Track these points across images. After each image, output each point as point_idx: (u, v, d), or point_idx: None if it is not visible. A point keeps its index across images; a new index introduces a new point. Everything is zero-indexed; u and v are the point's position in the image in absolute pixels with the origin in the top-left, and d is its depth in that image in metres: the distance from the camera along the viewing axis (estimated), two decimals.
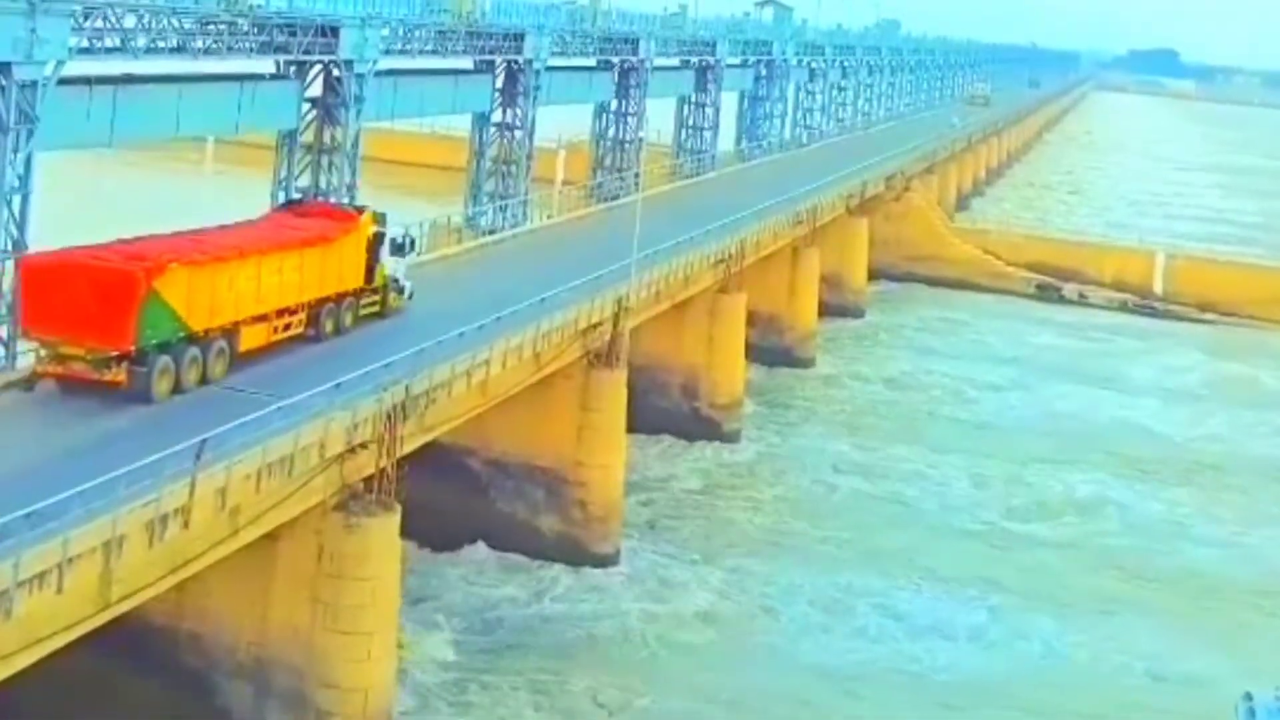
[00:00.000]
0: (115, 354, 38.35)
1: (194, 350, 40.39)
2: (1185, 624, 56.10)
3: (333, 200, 55.27)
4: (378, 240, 50.66)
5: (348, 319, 48.53)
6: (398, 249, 51.88)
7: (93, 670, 35.49)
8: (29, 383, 39.22)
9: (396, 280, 51.69)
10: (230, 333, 42.09)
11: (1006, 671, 50.74)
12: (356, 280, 49.13)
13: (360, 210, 51.70)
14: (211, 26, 49.67)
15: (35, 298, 38.88)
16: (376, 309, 50.56)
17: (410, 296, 52.01)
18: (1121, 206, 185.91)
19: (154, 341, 38.99)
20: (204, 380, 40.64)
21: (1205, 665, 51.36)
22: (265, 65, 55.43)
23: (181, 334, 40.01)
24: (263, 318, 43.83)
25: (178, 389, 39.61)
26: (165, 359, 39.28)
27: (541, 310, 50.93)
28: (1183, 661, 52.19)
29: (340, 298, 48.18)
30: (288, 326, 45.23)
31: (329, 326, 47.39)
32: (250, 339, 43.20)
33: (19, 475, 31.52)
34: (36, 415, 37.72)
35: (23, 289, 39.61)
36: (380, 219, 51.37)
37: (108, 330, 38.19)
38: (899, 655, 51.02)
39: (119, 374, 38.42)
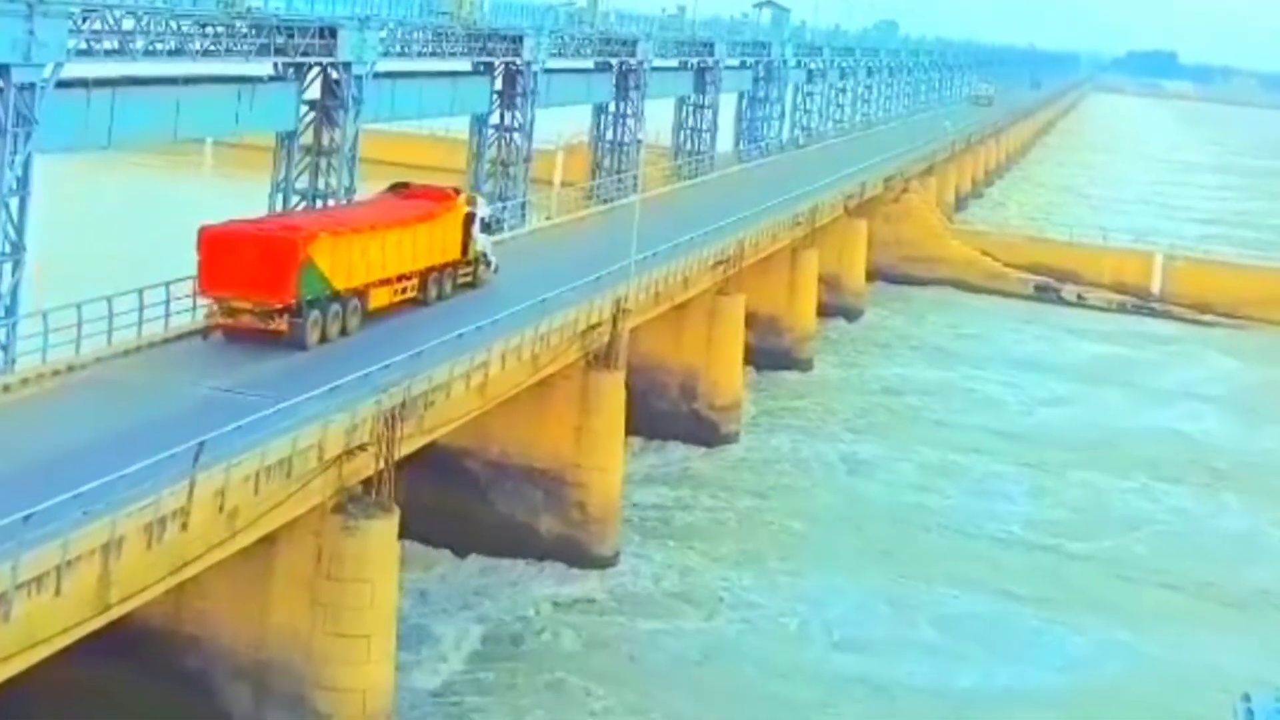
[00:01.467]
0: (278, 308, 45.42)
1: (336, 306, 47.51)
2: None
3: (426, 185, 59.93)
4: (470, 219, 56.88)
5: (448, 286, 55.27)
6: (485, 227, 58.67)
7: (91, 673, 35.40)
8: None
9: (484, 255, 57.93)
10: (362, 293, 49.21)
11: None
12: (454, 253, 55.72)
13: (457, 192, 58.34)
14: (210, 29, 49.70)
15: (211, 262, 45.65)
16: (469, 279, 56.93)
17: (496, 270, 58.24)
18: (1121, 207, 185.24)
19: (308, 298, 46.03)
20: (343, 332, 47.70)
21: None
22: (263, 67, 55.42)
23: (328, 293, 47.06)
24: (386, 282, 50.89)
25: (324, 339, 46.74)
26: (316, 313, 46.45)
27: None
28: None
29: (443, 268, 54.92)
30: (404, 290, 52.36)
31: (434, 292, 54.20)
32: (377, 299, 50.28)
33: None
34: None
35: (200, 255, 45.80)
36: (472, 200, 58.51)
37: (272, 288, 45.31)
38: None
39: (281, 324, 45.56)
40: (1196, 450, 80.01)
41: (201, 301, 46.75)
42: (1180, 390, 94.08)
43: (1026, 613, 55.43)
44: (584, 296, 54.07)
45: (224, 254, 45.66)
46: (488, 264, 58.07)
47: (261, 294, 45.39)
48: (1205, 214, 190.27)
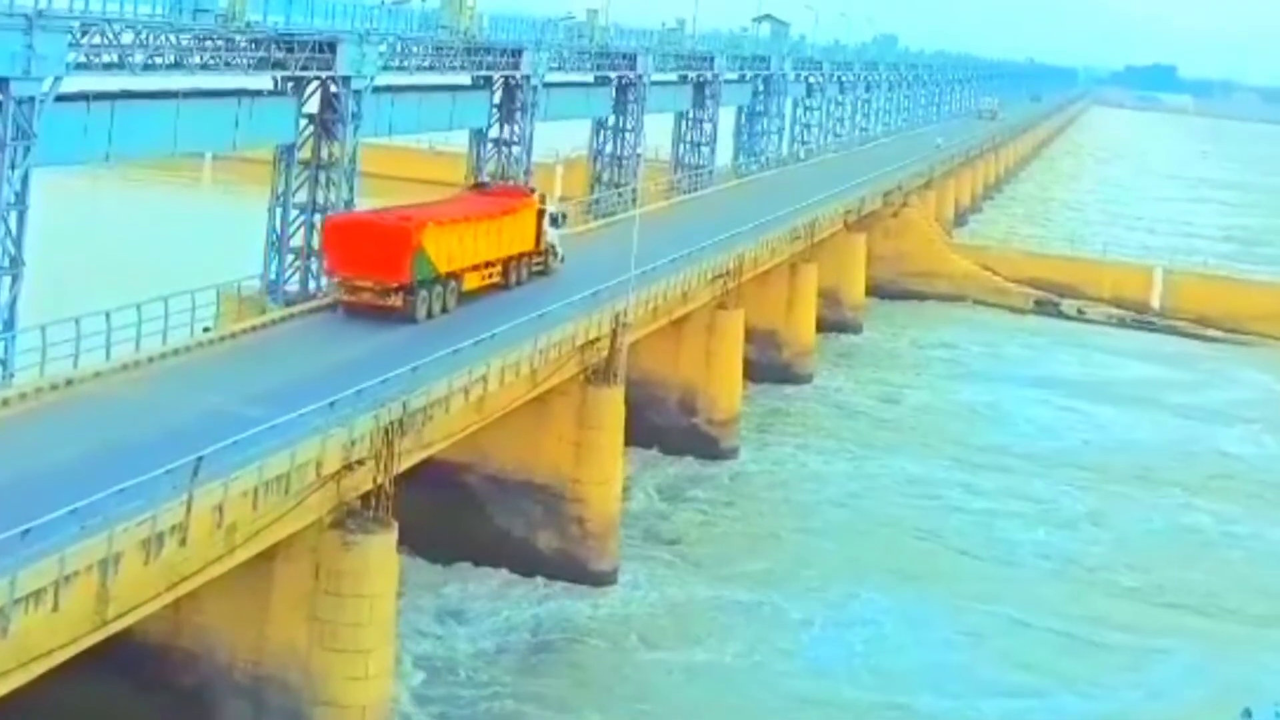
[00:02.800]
0: (394, 287, 52.39)
1: (439, 287, 54.37)
2: None
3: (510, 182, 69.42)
4: (542, 215, 63.29)
5: (524, 273, 61.62)
6: (554, 222, 64.71)
7: (89, 689, 35.29)
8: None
9: (553, 247, 64.13)
10: (459, 276, 55.88)
11: None
12: (529, 244, 62.17)
13: (531, 190, 66.10)
14: (209, 43, 49.68)
15: (336, 247, 53.62)
16: (541, 268, 63.20)
17: (561, 260, 64.16)
18: (1135, 224, 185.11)
19: (418, 279, 52.97)
20: (444, 310, 54.40)
21: None
22: (263, 81, 55.38)
23: (433, 275, 53.91)
24: (477, 267, 57.49)
25: (429, 315, 53.44)
26: (424, 292, 53.43)
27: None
28: None
29: (521, 257, 61.42)
30: (490, 275, 58.87)
31: (514, 277, 60.59)
32: (470, 282, 56.91)
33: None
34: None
35: (326, 241, 54.37)
36: (543, 198, 65.10)
37: (390, 269, 52.27)
38: None
39: (396, 301, 52.60)
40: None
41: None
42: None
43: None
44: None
45: (348, 241, 53.36)
46: (555, 254, 64.22)
47: (380, 275, 52.33)
48: (1220, 231, 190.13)
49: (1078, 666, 52.43)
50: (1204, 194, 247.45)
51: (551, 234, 64.07)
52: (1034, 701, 49.67)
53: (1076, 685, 50.94)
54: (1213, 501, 73.29)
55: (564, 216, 67.95)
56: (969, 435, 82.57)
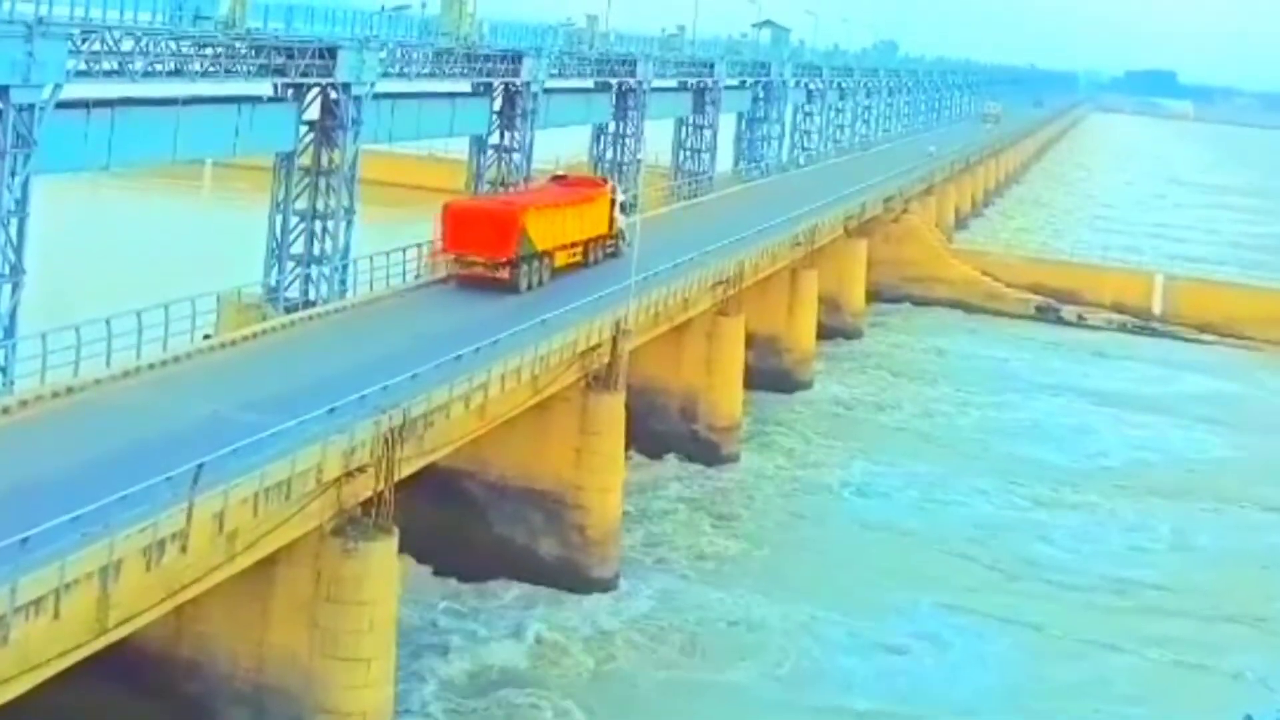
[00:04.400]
0: (503, 262, 60.51)
1: (537, 263, 62.47)
2: None
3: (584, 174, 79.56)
4: (614, 203, 71.18)
5: (599, 254, 68.91)
6: (622, 209, 73.05)
7: (89, 697, 35.28)
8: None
9: (622, 231, 70.92)
10: (551, 255, 63.81)
11: None
12: (603, 229, 69.83)
13: (604, 181, 76.60)
14: (209, 49, 49.68)
15: (453, 229, 61.09)
16: (613, 250, 70.02)
17: (629, 244, 67.66)
18: (1141, 234, 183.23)
19: (522, 255, 61.09)
20: (540, 283, 62.20)
21: None
22: (263, 88, 55.37)
23: (534, 252, 62.10)
24: (564, 247, 65.31)
25: (529, 286, 61.34)
26: (526, 267, 61.44)
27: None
28: None
29: (597, 239, 69.05)
30: (574, 254, 66.42)
31: (592, 257, 67.83)
32: (559, 259, 64.68)
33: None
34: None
35: (444, 224, 61.23)
36: (615, 189, 73.68)
37: (499, 247, 60.58)
38: None
39: (504, 274, 60.70)
40: None
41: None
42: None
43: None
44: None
45: (462, 223, 61.05)
46: (624, 239, 70.15)
47: (491, 252, 60.45)
48: (1250, 239, 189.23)
49: None
50: (1225, 201, 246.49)
51: (621, 220, 71.88)
52: None
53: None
54: None
55: (631, 205, 77.02)
56: (998, 444, 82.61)
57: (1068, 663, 53.41)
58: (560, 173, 79.38)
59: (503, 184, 73.29)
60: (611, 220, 70.61)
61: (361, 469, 39.12)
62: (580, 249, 67.30)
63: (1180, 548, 67.65)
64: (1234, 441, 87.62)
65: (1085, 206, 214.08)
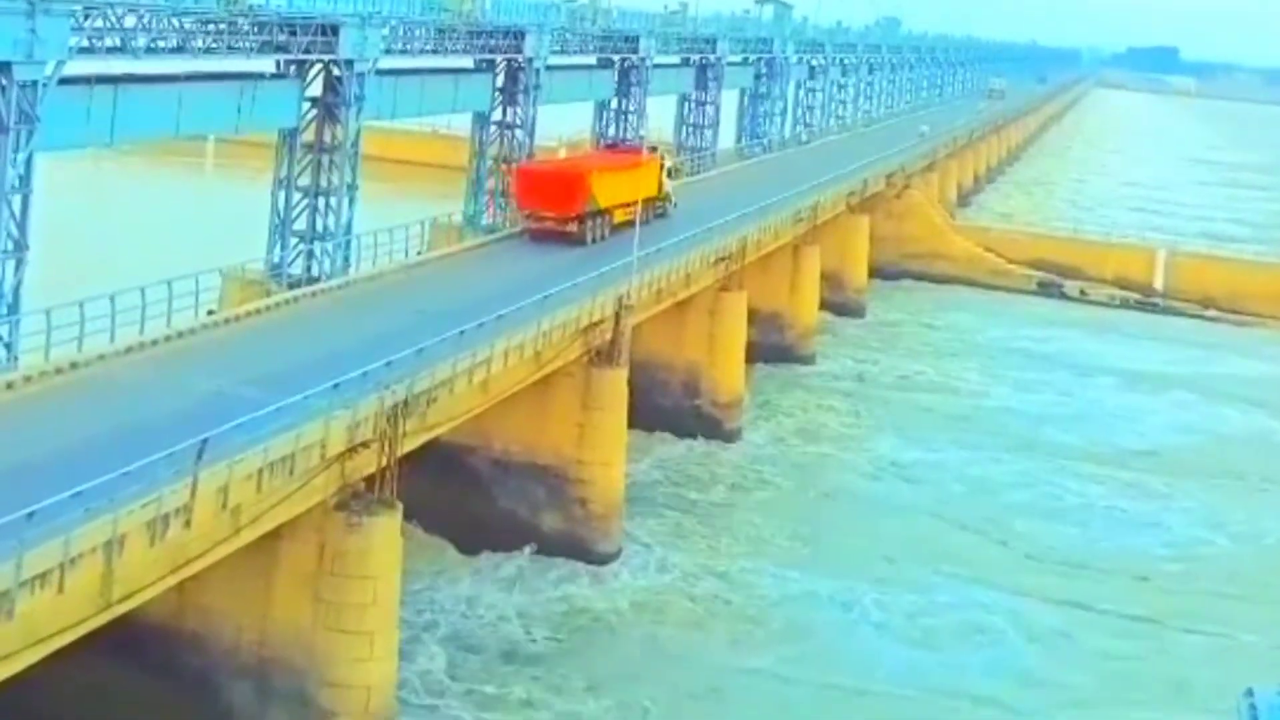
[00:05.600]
0: (571, 217, 67.57)
1: (600, 219, 69.49)
2: None
3: (630, 141, 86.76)
4: (663, 167, 78.71)
5: (651, 214, 74.02)
6: (670, 174, 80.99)
7: (94, 671, 35.47)
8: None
9: (669, 194, 78.81)
10: (610, 212, 70.12)
11: None
12: (654, 191, 76.43)
13: (654, 149, 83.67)
14: (212, 26, 49.56)
15: (527, 188, 68.92)
16: (662, 211, 77.26)
17: (675, 205, 78.59)
18: (1166, 214, 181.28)
19: (588, 211, 68.42)
20: (602, 237, 68.92)
21: None
22: (265, 65, 55.33)
23: (597, 209, 69.21)
24: (621, 205, 69.90)
25: (594, 240, 68.24)
26: (590, 222, 68.67)
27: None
28: None
29: (649, 200, 74.21)
30: (630, 212, 67.10)
31: (644, 216, 68.99)
32: (618, 217, 69.93)
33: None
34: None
35: (518, 184, 69.72)
36: (663, 156, 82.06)
37: (568, 204, 67.60)
38: None
39: (573, 228, 67.70)
40: None
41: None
42: None
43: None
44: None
45: (536, 183, 68.80)
46: (671, 200, 78.71)
47: (560, 208, 67.13)
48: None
49: None
50: (1244, 179, 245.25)
51: (669, 184, 79.50)
52: None
53: None
54: None
55: (677, 170, 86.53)
56: (1003, 420, 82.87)
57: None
58: (611, 141, 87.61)
59: (505, 160, 73.28)
60: (660, 184, 78.01)
61: (365, 444, 39.21)
62: (635, 208, 70.25)
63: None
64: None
65: (1111, 187, 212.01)
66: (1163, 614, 56.35)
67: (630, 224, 67.67)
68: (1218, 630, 55.37)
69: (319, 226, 57.58)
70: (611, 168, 73.33)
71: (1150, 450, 78.76)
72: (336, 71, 56.90)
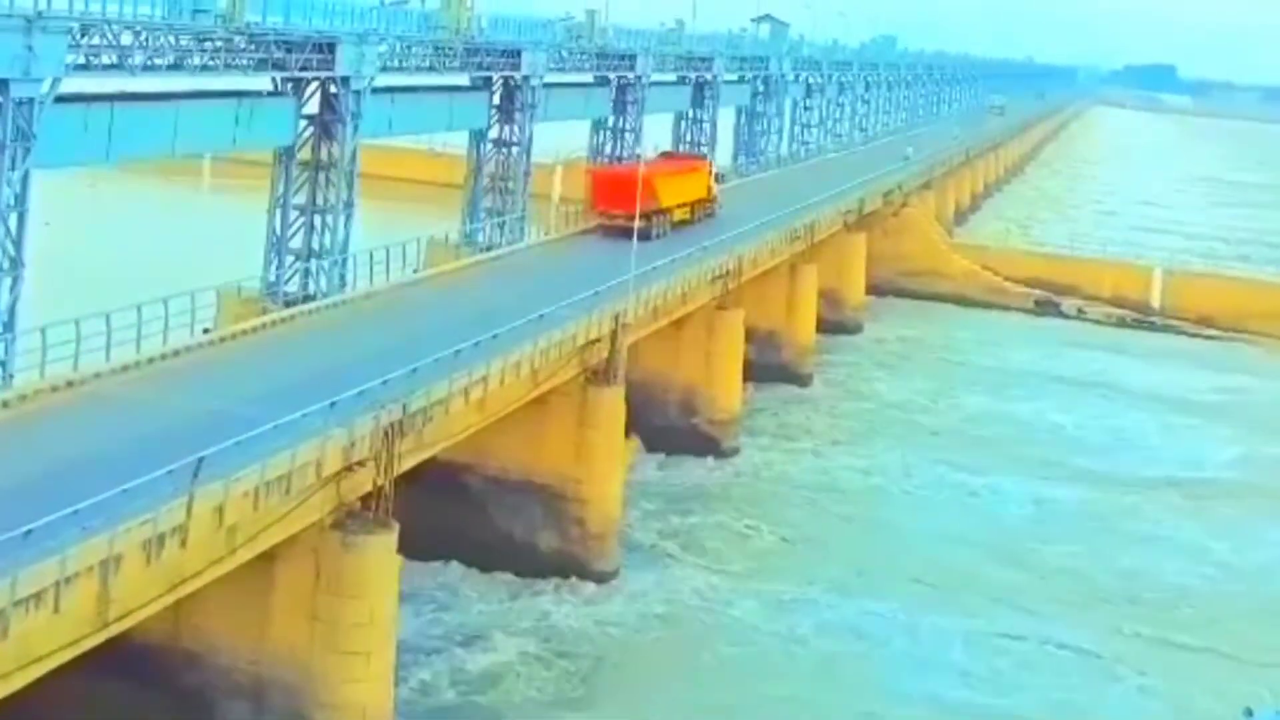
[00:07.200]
0: (640, 214, 68.24)
1: (662, 217, 77.82)
2: None
3: (684, 151, 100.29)
4: (711, 173, 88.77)
5: (701, 215, 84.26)
6: (717, 179, 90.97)
7: (90, 690, 35.33)
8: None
9: (716, 197, 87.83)
10: (670, 211, 79.59)
11: None
12: (704, 194, 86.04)
13: (704, 156, 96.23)
14: (208, 43, 49.52)
15: (600, 191, 77.15)
16: (710, 212, 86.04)
17: (721, 207, 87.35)
18: (1179, 236, 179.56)
19: (653, 210, 75.40)
20: (664, 234, 76.62)
21: None
22: (262, 82, 55.28)
23: (660, 208, 77.68)
24: (679, 205, 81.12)
25: (657, 236, 75.09)
26: (656, 220, 76.14)
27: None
28: None
29: (700, 203, 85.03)
30: (685, 212, 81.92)
31: (696, 216, 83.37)
32: (676, 215, 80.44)
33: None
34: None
35: (593, 187, 78.84)
36: (712, 163, 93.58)
37: (635, 205, 68.35)
38: None
39: (641, 224, 67.01)
40: None
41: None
42: None
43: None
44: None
45: (608, 186, 76.14)
46: (719, 203, 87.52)
47: (628, 208, 68.06)
48: None
49: None
50: (1251, 199, 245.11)
51: (717, 189, 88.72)
52: None
53: None
54: None
55: (722, 176, 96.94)
56: (1016, 439, 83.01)
57: None
58: (667, 149, 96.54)
59: (502, 179, 73.21)
60: (709, 188, 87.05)
61: (361, 463, 39.13)
62: (689, 209, 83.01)
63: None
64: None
65: (1127, 206, 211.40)
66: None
67: (686, 222, 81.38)
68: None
69: (315, 245, 57.49)
70: (672, 173, 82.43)
71: None
72: (333, 89, 56.80)
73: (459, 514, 54.15)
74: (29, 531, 27.65)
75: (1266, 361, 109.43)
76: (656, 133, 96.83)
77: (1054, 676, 51.68)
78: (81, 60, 43.60)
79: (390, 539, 39.53)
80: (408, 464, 41.92)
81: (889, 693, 49.33)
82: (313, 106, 57.20)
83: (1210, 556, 65.41)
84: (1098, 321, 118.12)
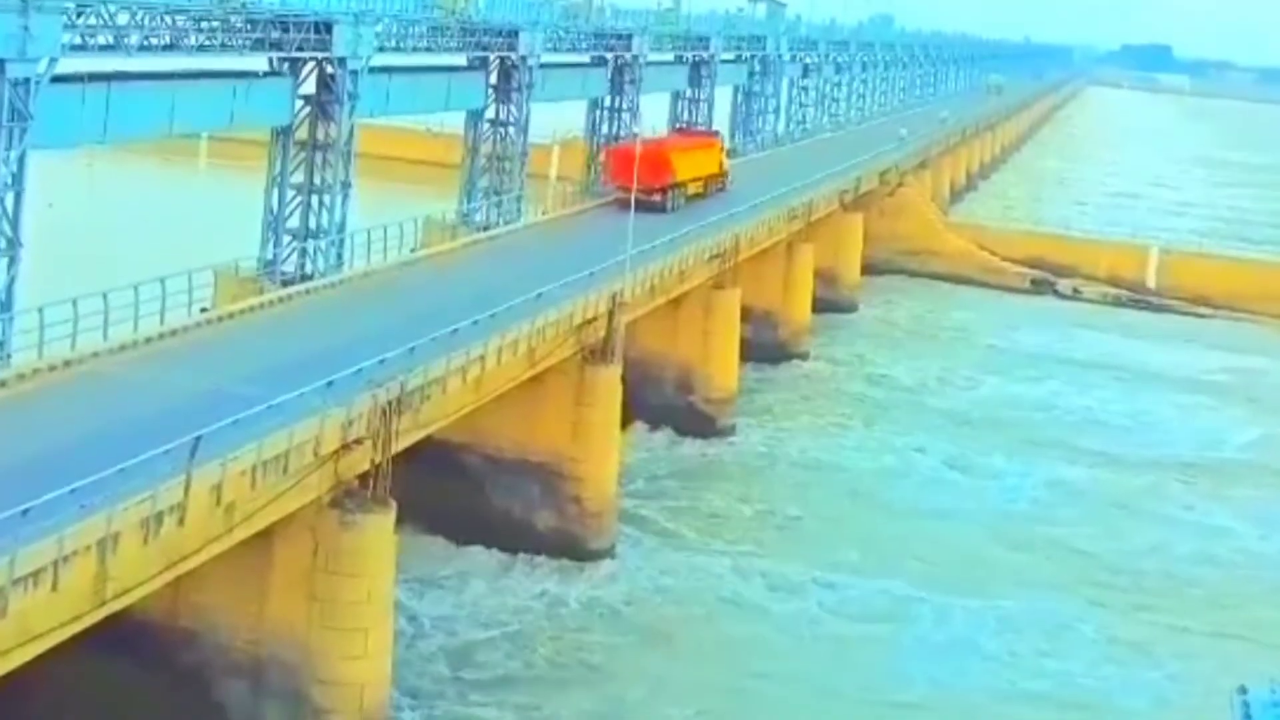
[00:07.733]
0: (656, 188, 77.19)
1: (677, 191, 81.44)
2: None
3: (697, 127, 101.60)
4: (722, 149, 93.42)
5: (713, 189, 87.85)
6: (728, 154, 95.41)
7: (88, 668, 35.45)
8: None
9: (728, 173, 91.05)
10: (684, 185, 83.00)
11: None
12: (715, 169, 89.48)
13: (716, 132, 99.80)
14: (205, 23, 49.49)
15: (618, 165, 77.85)
16: (721, 186, 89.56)
17: (732, 182, 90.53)
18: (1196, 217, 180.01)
19: (669, 184, 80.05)
20: (678, 206, 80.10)
21: None
22: (259, 62, 55.20)
23: (676, 182, 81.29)
24: (692, 180, 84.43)
25: (673, 208, 78.67)
26: (672, 193, 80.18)
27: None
28: None
29: (711, 177, 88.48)
30: (698, 187, 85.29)
31: (708, 190, 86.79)
32: (691, 189, 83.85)
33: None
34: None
35: (611, 162, 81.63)
36: (723, 139, 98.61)
37: (655, 178, 76.60)
38: None
39: (657, 198, 76.92)
40: None
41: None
42: None
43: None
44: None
45: (626, 161, 73.09)
46: (729, 177, 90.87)
47: (646, 182, 71.62)
48: None
49: None
50: (1264, 179, 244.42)
51: (728, 164, 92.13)
52: None
53: None
54: None
55: (733, 152, 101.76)
56: (1000, 411, 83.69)
57: None
58: (680, 125, 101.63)
59: (499, 159, 73.24)
60: (721, 163, 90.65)
61: (359, 441, 39.23)
62: (702, 183, 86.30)
63: None
64: None
65: (1135, 187, 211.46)
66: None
67: (700, 196, 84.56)
68: None
69: (312, 224, 57.51)
70: (687, 148, 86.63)
71: None
72: (330, 69, 56.77)
73: (456, 492, 54.26)
74: (27, 510, 27.71)
75: (1277, 341, 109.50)
76: (654, 112, 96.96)
77: (1069, 661, 51.69)
78: (78, 40, 43.54)
79: (388, 517, 39.62)
80: (405, 443, 42.00)
81: (894, 673, 49.49)
82: (310, 87, 57.18)
83: (1231, 540, 65.68)
84: (1093, 301, 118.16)
